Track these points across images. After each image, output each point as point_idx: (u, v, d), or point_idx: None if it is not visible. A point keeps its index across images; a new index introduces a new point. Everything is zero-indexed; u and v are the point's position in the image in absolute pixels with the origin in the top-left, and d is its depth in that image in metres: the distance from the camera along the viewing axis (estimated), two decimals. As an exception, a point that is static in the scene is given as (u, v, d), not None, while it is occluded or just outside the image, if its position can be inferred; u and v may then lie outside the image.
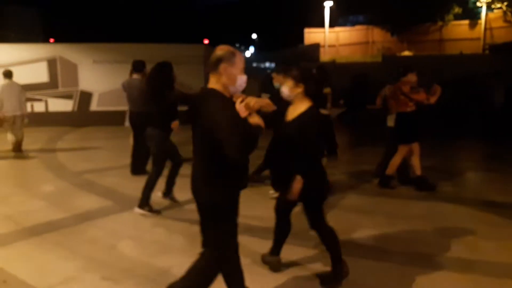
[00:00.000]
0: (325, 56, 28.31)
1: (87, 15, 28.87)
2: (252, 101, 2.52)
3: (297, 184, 3.02)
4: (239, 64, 2.47)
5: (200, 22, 39.27)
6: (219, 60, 2.44)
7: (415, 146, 5.80)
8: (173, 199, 5.23)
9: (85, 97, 12.67)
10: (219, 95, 2.44)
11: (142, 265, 3.56)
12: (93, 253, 3.81)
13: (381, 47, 28.86)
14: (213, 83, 2.48)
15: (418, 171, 5.83)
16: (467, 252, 3.87)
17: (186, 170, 5.65)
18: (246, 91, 2.66)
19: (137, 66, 6.51)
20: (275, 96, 4.83)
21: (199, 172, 2.53)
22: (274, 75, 5.22)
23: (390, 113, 5.97)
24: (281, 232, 3.42)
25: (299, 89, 3.12)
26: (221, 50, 2.48)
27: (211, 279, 2.60)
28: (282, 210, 3.35)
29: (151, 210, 4.80)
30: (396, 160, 5.82)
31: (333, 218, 4.73)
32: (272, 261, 3.47)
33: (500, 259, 3.70)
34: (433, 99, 5.59)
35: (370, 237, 4.23)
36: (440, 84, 11.83)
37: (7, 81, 7.99)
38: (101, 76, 12.51)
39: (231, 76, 2.45)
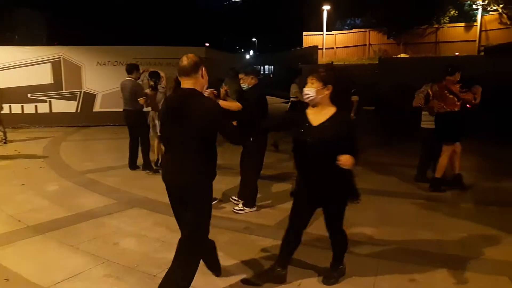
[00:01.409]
0: (323, 58, 28.49)
1: (91, 18, 28.91)
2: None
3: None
4: None
5: (201, 25, 39.38)
6: (199, 64, 2.78)
7: (458, 146, 5.85)
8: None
9: (89, 98, 12.85)
10: (202, 94, 2.82)
11: (145, 262, 3.65)
12: (96, 250, 3.89)
13: (377, 49, 29.07)
14: (191, 85, 2.77)
15: (439, 173, 5.85)
16: (461, 248, 3.97)
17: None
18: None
19: (129, 69, 6.88)
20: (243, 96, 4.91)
21: (189, 162, 2.74)
22: (242, 76, 4.95)
23: (432, 113, 5.84)
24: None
25: (327, 92, 2.99)
26: (195, 56, 2.81)
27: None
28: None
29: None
30: (443, 161, 5.80)
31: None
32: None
33: (493, 256, 3.79)
34: (478, 99, 5.72)
35: (365, 235, 4.33)
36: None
37: None
38: (104, 78, 12.68)
39: (206, 78, 2.84)
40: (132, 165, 7.07)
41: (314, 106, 3.07)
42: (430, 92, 5.80)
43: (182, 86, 2.78)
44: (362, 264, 3.64)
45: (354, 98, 8.11)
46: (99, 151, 9.10)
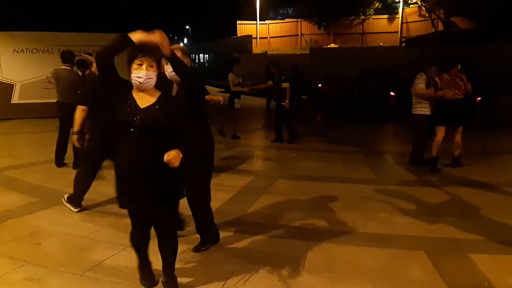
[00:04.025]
0: (257, 48, 28.71)
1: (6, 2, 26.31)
2: None
3: None
4: None
5: (131, 11, 37.65)
6: None
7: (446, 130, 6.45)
8: None
9: (5, 88, 11.79)
10: None
11: (70, 262, 3.46)
12: (15, 253, 3.60)
13: (309, 39, 29.91)
14: None
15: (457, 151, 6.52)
16: (384, 227, 4.24)
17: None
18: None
19: (66, 56, 6.34)
20: None
21: None
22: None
23: (434, 100, 6.32)
24: None
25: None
26: None
27: None
28: None
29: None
30: (459, 139, 6.46)
31: (263, 202, 4.97)
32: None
33: (412, 233, 4.10)
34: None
35: (297, 219, 4.47)
36: (364, 74, 12.43)
37: None
38: (23, 66, 11.74)
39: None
40: (59, 162, 6.55)
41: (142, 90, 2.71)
42: (438, 81, 6.25)
43: None
44: (292, 248, 3.75)
45: (285, 85, 8.23)
46: (18, 146, 8.42)
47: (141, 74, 2.61)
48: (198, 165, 3.47)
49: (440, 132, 6.41)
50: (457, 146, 6.51)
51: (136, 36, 2.58)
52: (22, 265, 3.38)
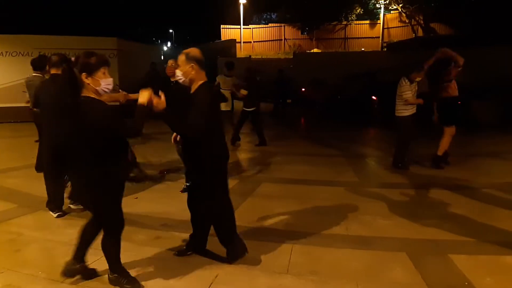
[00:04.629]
0: (241, 52, 28.75)
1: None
2: None
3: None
4: None
5: (113, 14, 37.17)
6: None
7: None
8: None
9: (-17, 92, 11.52)
10: None
11: (50, 269, 3.38)
12: (-7, 260, 3.52)
13: (292, 44, 30.11)
14: None
15: (441, 151, 6.71)
16: (366, 230, 4.28)
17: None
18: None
19: (36, 65, 6.17)
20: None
21: None
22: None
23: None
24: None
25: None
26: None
27: None
28: None
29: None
30: (447, 142, 6.68)
31: (248, 206, 4.97)
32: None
33: (394, 235, 4.15)
34: None
35: (281, 222, 4.49)
36: (346, 78, 12.58)
37: None
38: (2, 70, 11.60)
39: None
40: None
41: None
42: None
43: None
44: (276, 251, 3.76)
45: (243, 91, 8.31)
46: (-4, 151, 8.25)
47: (109, 81, 2.82)
48: (221, 168, 3.55)
49: (449, 132, 6.67)
50: (443, 146, 6.65)
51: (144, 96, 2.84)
52: (1, 273, 3.31)
